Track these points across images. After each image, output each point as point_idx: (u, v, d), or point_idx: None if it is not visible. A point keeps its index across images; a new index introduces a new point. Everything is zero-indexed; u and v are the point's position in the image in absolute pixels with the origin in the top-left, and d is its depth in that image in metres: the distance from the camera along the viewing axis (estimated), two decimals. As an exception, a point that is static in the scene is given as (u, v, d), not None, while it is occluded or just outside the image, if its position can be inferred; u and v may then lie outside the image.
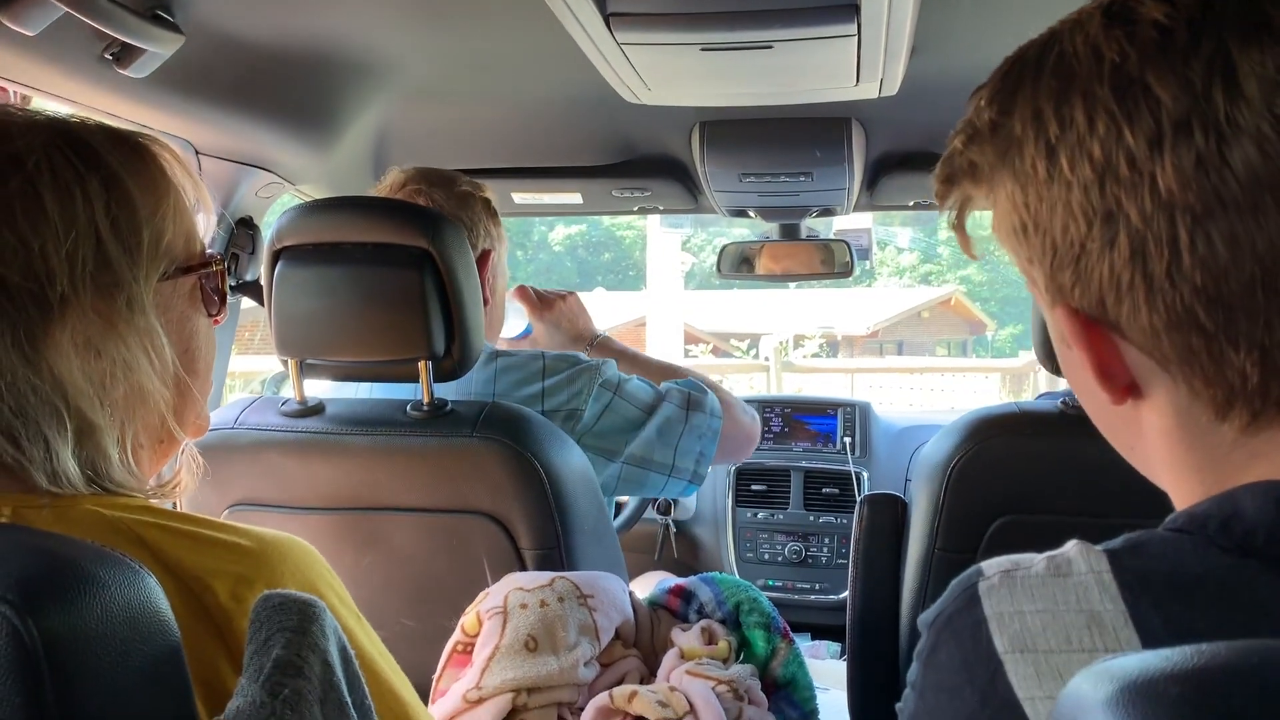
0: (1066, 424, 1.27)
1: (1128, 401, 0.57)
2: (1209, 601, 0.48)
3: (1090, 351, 0.56)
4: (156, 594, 0.57)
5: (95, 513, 0.66)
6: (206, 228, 0.81)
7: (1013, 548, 0.60)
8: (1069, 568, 0.52)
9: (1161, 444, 0.57)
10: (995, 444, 1.27)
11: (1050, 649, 0.50)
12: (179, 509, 0.74)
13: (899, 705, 0.61)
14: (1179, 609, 0.49)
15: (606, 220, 26.63)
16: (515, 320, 1.78)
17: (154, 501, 0.71)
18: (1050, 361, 1.28)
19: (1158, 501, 0.97)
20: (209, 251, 0.81)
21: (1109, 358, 0.56)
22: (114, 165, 0.72)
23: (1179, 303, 0.51)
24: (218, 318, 0.83)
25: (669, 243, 12.84)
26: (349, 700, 0.62)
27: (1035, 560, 0.54)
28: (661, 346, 12.67)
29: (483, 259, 1.59)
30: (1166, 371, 0.54)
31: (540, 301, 1.78)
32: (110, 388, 0.71)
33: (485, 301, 1.61)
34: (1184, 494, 0.57)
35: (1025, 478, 1.26)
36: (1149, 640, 0.48)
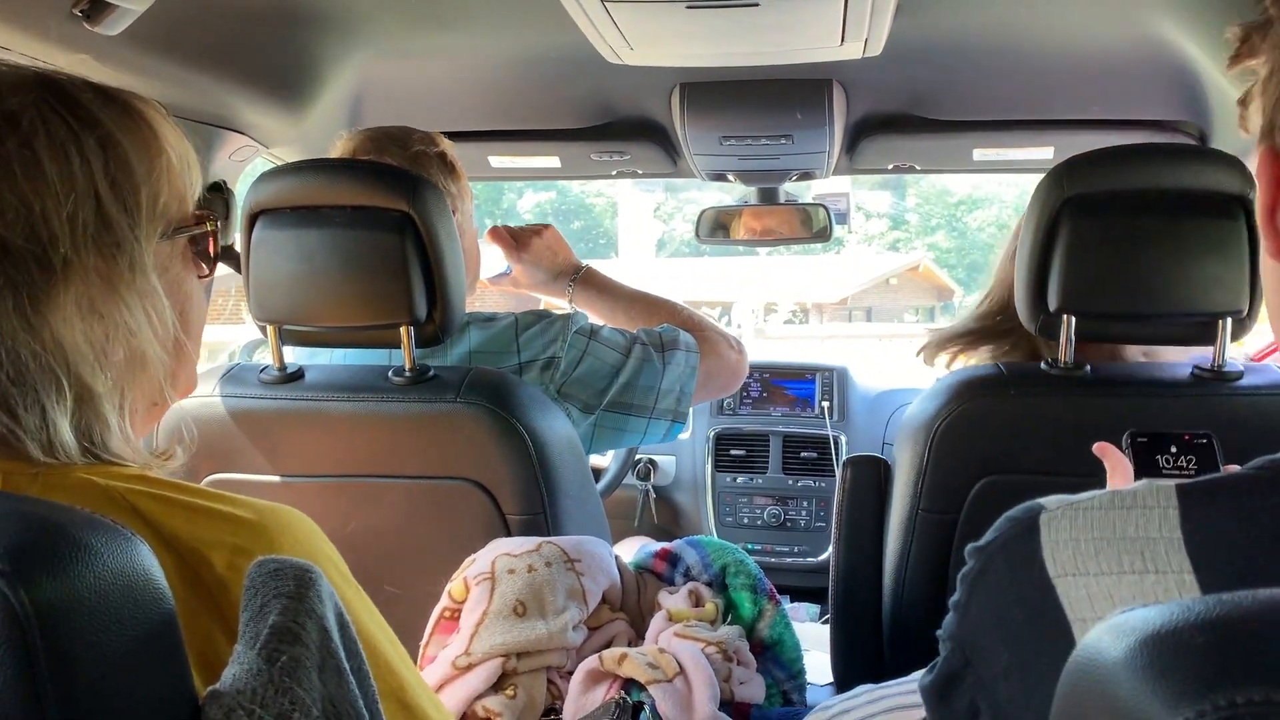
0: (1050, 384, 1.27)
1: None
2: (1270, 536, 0.49)
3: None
4: (150, 561, 0.56)
5: (89, 481, 0.65)
6: (194, 187, 0.79)
7: (997, 508, 0.60)
8: (1133, 500, 0.53)
9: None
10: (978, 404, 1.27)
11: (1102, 572, 0.52)
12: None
13: (939, 632, 0.62)
14: (1239, 540, 0.49)
15: (577, 187, 26.44)
16: (493, 262, 1.75)
17: (149, 471, 0.70)
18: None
19: (1139, 460, 0.98)
20: (199, 211, 0.80)
21: None
22: (108, 124, 0.71)
23: None
24: (207, 278, 0.82)
25: (640, 210, 12.79)
26: (347, 667, 0.61)
27: (1100, 493, 0.55)
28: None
29: None
30: None
31: (516, 241, 1.75)
32: (111, 352, 0.70)
33: None
34: None
35: (1009, 438, 1.27)
36: (1200, 566, 0.49)
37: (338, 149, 1.54)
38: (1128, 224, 1.20)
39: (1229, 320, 1.22)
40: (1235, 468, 0.56)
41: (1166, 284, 1.20)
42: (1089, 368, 1.27)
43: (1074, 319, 1.24)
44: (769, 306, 18.21)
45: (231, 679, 0.57)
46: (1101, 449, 0.92)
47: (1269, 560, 0.48)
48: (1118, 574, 0.51)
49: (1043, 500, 0.57)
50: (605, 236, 26.97)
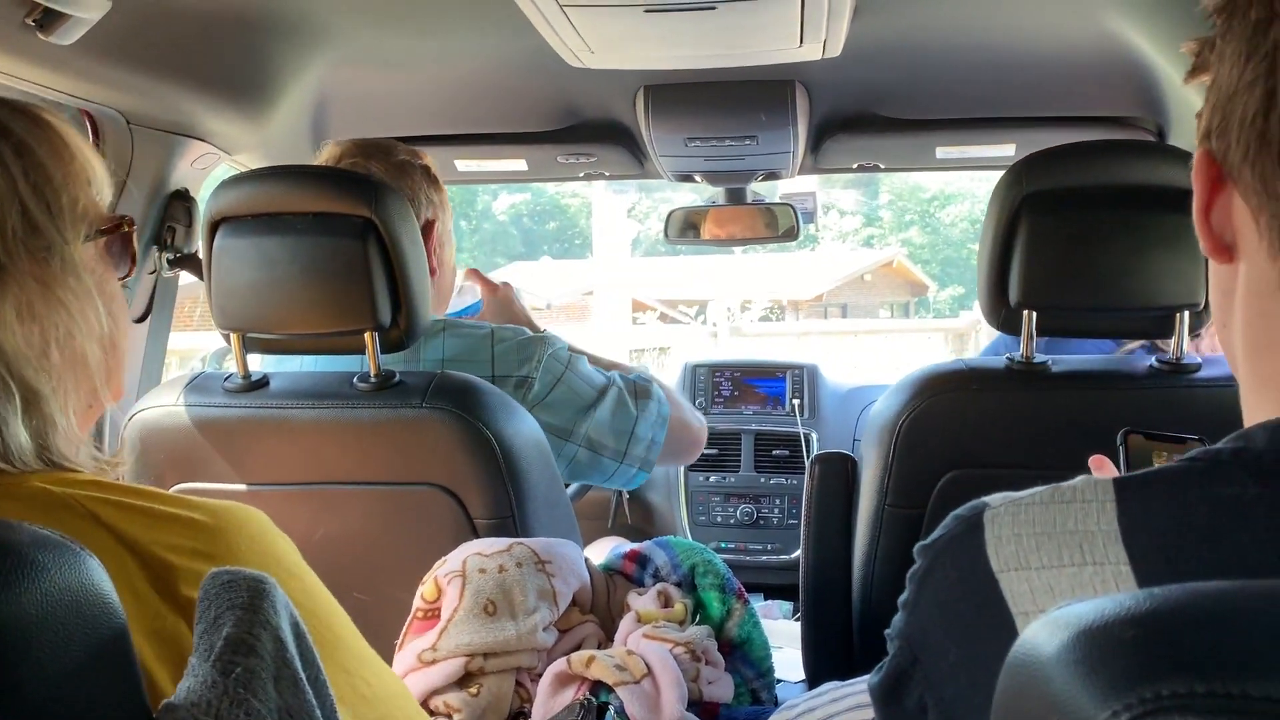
0: (1012, 379, 1.28)
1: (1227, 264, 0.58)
2: (1202, 526, 0.50)
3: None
4: (99, 576, 0.55)
5: (44, 490, 0.65)
6: (106, 192, 0.82)
7: (962, 502, 0.61)
8: (1073, 495, 0.54)
9: (1240, 313, 0.58)
10: (942, 400, 1.28)
11: (1043, 565, 0.53)
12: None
13: (888, 631, 0.62)
14: (1172, 531, 0.50)
15: (552, 188, 26.41)
16: (466, 295, 1.78)
17: (102, 477, 0.71)
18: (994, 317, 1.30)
19: (1102, 453, 0.99)
20: (114, 215, 0.82)
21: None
22: (20, 133, 0.73)
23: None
24: (127, 279, 0.84)
25: (615, 210, 12.79)
26: (303, 676, 0.61)
27: (1042, 489, 0.56)
28: (609, 315, 12.65)
29: (427, 229, 1.57)
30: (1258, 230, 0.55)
31: (487, 284, 1.78)
32: (50, 353, 0.71)
33: (432, 271, 1.60)
34: (1245, 391, 0.59)
35: (973, 433, 1.28)
36: (1136, 558, 0.50)
37: (321, 157, 1.55)
38: (1085, 219, 1.22)
39: (1186, 313, 1.24)
40: None
41: (1124, 278, 1.21)
42: (1050, 362, 1.29)
43: (1034, 314, 1.25)
44: (745, 304, 18.28)
45: (186, 691, 0.57)
46: (1097, 462, 0.93)
47: (1200, 550, 0.49)
48: (1058, 567, 0.52)
49: (987, 498, 0.58)
50: (581, 237, 26.96)
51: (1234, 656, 0.36)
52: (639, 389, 1.59)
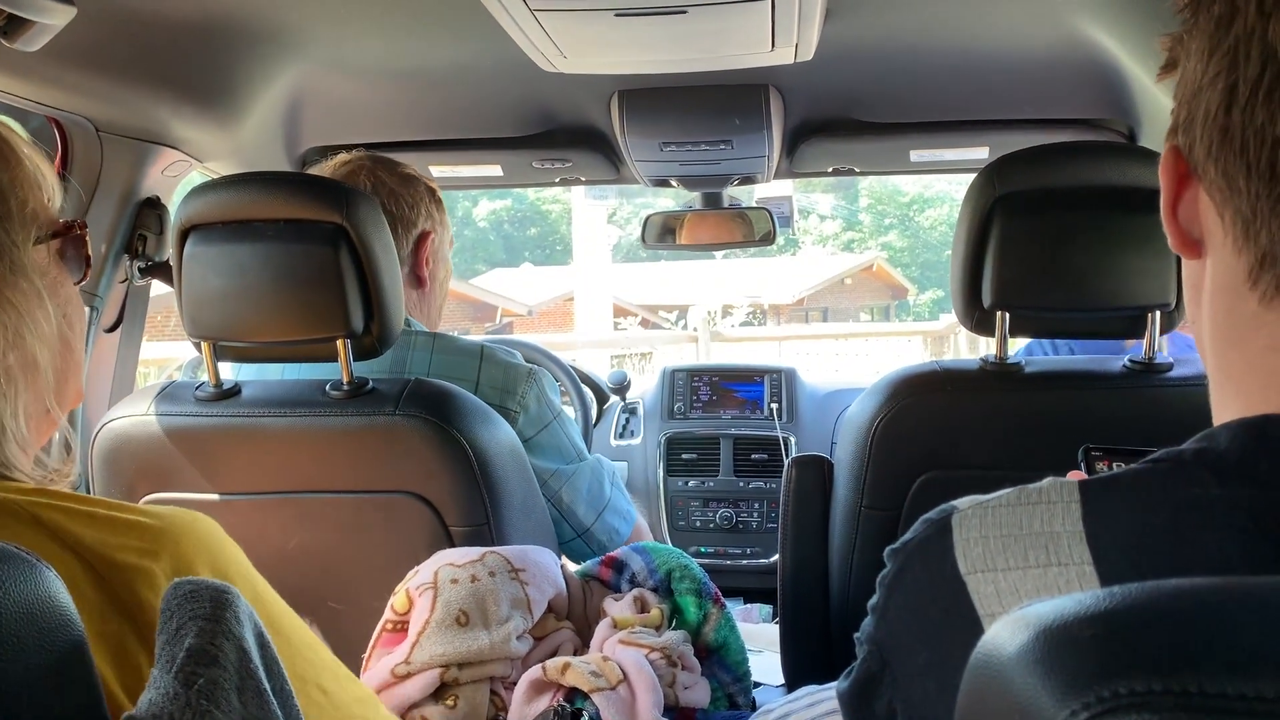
0: (986, 381, 1.29)
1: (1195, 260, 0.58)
2: (1165, 526, 0.50)
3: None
4: (55, 588, 0.55)
5: None
6: (55, 196, 0.81)
7: (937, 503, 0.61)
8: (1039, 496, 0.54)
9: (1208, 309, 0.58)
10: (917, 402, 1.28)
11: (1009, 567, 0.53)
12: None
13: (857, 635, 0.62)
14: (1135, 531, 0.51)
15: (532, 194, 26.38)
16: None
17: (49, 485, 0.70)
18: (968, 320, 1.30)
19: (1075, 453, 1.00)
20: (65, 220, 0.81)
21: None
22: None
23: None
24: (83, 283, 0.83)
25: (595, 216, 12.79)
26: (267, 687, 0.60)
27: (1009, 491, 0.56)
28: (591, 320, 12.64)
29: (421, 240, 1.58)
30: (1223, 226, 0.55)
31: None
32: (2, 357, 0.70)
33: (421, 284, 1.60)
34: (1213, 387, 0.59)
35: (947, 434, 1.28)
36: (1100, 558, 0.50)
37: (327, 169, 1.58)
38: (1057, 221, 1.22)
39: (1158, 313, 1.24)
40: None
41: (1096, 279, 1.22)
42: (1024, 363, 1.29)
43: (1007, 315, 1.26)
44: (726, 309, 18.29)
45: (148, 704, 0.56)
46: (1077, 476, 0.93)
47: (1163, 550, 0.49)
48: (1024, 568, 0.52)
49: (956, 501, 0.58)
50: (562, 243, 26.94)
51: (1190, 654, 0.36)
52: (615, 480, 1.63)
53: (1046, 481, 0.55)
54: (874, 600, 0.61)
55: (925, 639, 0.57)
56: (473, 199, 27.17)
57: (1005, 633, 0.41)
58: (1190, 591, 0.39)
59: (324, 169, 1.58)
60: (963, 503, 0.57)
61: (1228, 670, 0.35)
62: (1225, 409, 0.57)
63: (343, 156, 1.59)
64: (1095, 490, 0.53)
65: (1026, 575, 0.52)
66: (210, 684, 0.57)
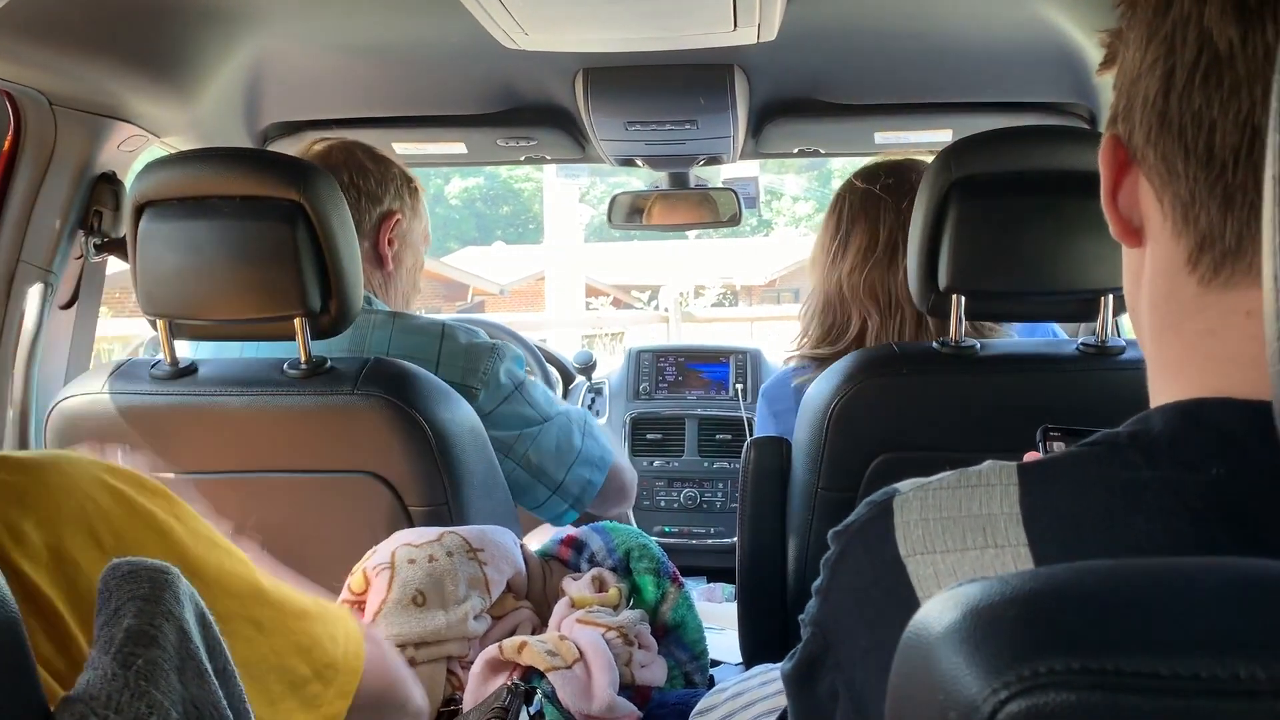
0: (941, 362, 1.30)
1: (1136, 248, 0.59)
2: (1099, 509, 0.51)
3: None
4: None
5: None
6: None
7: (892, 484, 0.61)
8: (978, 479, 0.54)
9: (1147, 295, 0.59)
10: (872, 384, 1.29)
11: (948, 549, 0.53)
12: None
13: (801, 616, 0.63)
14: (1070, 513, 0.51)
15: (505, 172, 26.20)
16: None
17: None
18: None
19: (1029, 434, 1.01)
20: None
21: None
22: None
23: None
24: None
25: (566, 194, 12.73)
26: (209, 667, 0.60)
27: (949, 474, 0.56)
28: (562, 300, 12.60)
29: (385, 218, 1.56)
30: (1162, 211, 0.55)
31: None
32: None
33: (383, 263, 1.58)
34: (1151, 373, 0.59)
35: (902, 416, 1.29)
36: (1036, 540, 0.51)
37: (307, 152, 1.59)
38: (1013, 205, 1.23)
39: (1110, 296, 1.26)
40: None
41: (1050, 263, 1.23)
42: (979, 345, 1.30)
43: (963, 298, 1.27)
44: (698, 289, 18.30)
45: (85, 684, 0.56)
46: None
47: (1096, 532, 0.50)
48: (962, 551, 0.53)
49: (898, 484, 0.58)
50: (534, 221, 26.78)
51: (1109, 633, 0.37)
52: (586, 429, 1.62)
53: (986, 464, 0.56)
54: (818, 582, 0.62)
55: (866, 621, 0.57)
56: (444, 176, 26.95)
57: (934, 612, 0.41)
58: (1113, 573, 0.40)
59: (306, 154, 1.58)
60: (904, 485, 0.58)
61: (1144, 649, 0.36)
62: (1162, 394, 0.58)
63: (323, 146, 1.60)
64: (1033, 473, 0.54)
65: (964, 557, 0.53)
66: (149, 665, 0.57)
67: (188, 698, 0.59)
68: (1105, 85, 1.70)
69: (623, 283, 19.49)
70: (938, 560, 0.53)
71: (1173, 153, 0.53)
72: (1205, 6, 0.50)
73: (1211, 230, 0.52)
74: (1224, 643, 0.36)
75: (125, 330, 6.01)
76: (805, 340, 1.56)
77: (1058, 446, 0.95)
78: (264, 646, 0.73)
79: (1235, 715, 0.35)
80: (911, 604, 0.54)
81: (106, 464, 0.70)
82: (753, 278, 21.33)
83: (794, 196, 28.01)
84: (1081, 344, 1.30)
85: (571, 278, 13.45)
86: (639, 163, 2.20)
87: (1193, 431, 0.51)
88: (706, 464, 2.51)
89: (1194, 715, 0.35)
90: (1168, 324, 0.57)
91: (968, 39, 1.65)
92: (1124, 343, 1.30)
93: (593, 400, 2.66)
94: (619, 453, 1.72)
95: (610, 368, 2.75)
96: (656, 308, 14.11)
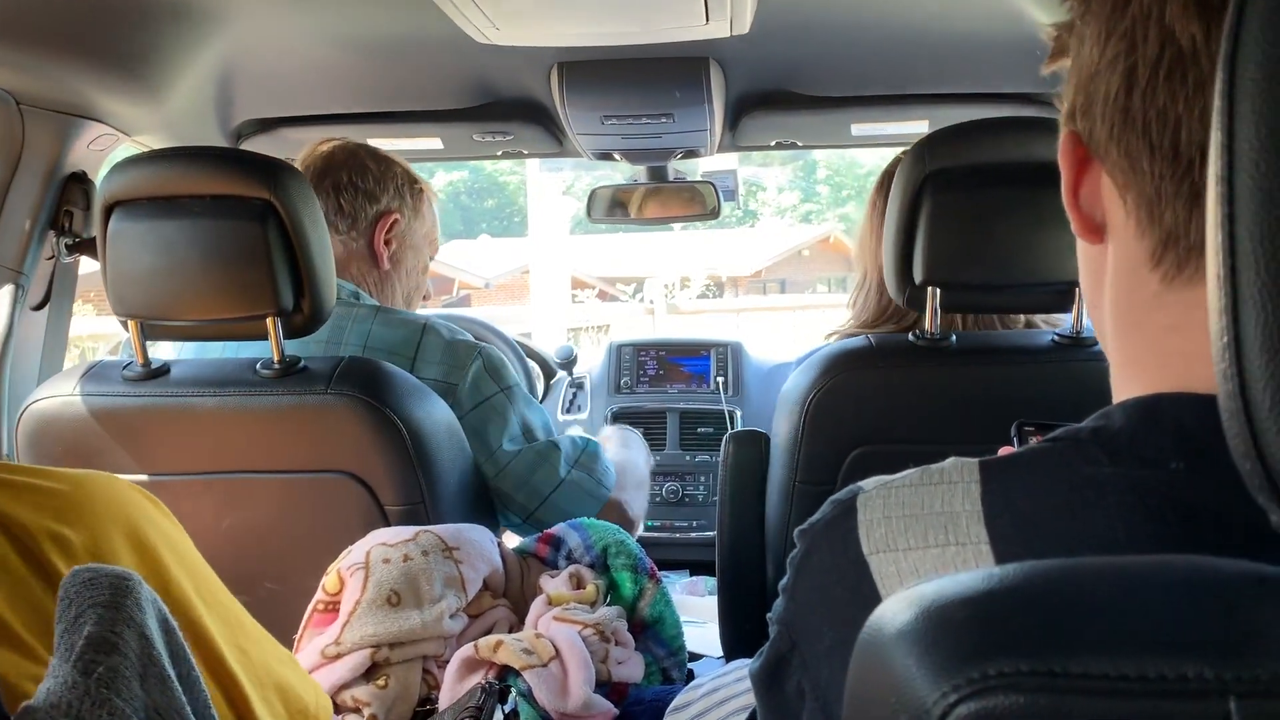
0: (917, 355, 1.30)
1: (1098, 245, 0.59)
2: (1060, 505, 0.50)
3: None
4: None
5: None
6: None
7: (869, 477, 0.61)
8: (940, 476, 0.54)
9: (1109, 292, 0.58)
10: (849, 377, 1.29)
11: (910, 547, 0.53)
12: None
13: (769, 615, 0.63)
14: (1030, 510, 0.51)
15: (489, 165, 26.10)
16: None
17: None
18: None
19: (1004, 426, 1.01)
20: None
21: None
22: None
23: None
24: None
25: (550, 188, 12.69)
26: (172, 673, 0.60)
27: (912, 472, 0.56)
28: (548, 293, 12.57)
29: (382, 217, 1.56)
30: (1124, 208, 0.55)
31: None
32: None
33: (378, 262, 1.57)
34: (1114, 370, 0.59)
35: (879, 409, 1.29)
36: (997, 538, 0.51)
37: (312, 152, 1.60)
38: (987, 196, 1.23)
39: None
40: None
41: (1024, 254, 1.23)
42: (954, 338, 1.31)
43: (938, 290, 1.27)
44: (684, 281, 18.30)
45: (46, 693, 0.55)
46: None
47: (1056, 529, 0.50)
48: (924, 548, 0.53)
49: (862, 482, 0.58)
50: (519, 214, 26.69)
51: (1058, 635, 0.37)
52: (582, 460, 1.54)
53: (949, 461, 0.56)
54: (784, 581, 0.61)
55: (831, 620, 0.57)
56: (428, 170, 26.77)
57: (889, 612, 0.41)
58: (1065, 572, 0.40)
59: (305, 156, 1.61)
60: (868, 483, 0.58)
61: (1090, 650, 0.36)
62: (1124, 389, 0.58)
63: (324, 147, 1.61)
64: (995, 470, 0.54)
65: (926, 555, 0.53)
66: (110, 672, 0.56)
67: (150, 704, 0.58)
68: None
69: (608, 275, 19.47)
70: (900, 558, 0.53)
71: (1137, 150, 0.53)
72: (1166, 4, 0.50)
73: (1176, 227, 0.52)
74: (1173, 643, 0.36)
75: (109, 329, 5.97)
76: (855, 325, 1.55)
77: (1032, 441, 0.95)
78: (250, 672, 0.73)
79: (1183, 716, 0.35)
80: (874, 602, 0.53)
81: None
82: (739, 269, 21.34)
83: (779, 187, 28.02)
84: (1056, 335, 1.31)
85: (556, 271, 13.43)
86: (616, 156, 2.19)
87: (1152, 427, 0.51)
88: (688, 457, 2.51)
89: (1142, 717, 0.35)
90: (1130, 320, 0.57)
91: (942, 30, 1.65)
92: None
93: (574, 395, 2.65)
94: (624, 487, 1.62)
95: (592, 362, 2.75)
96: (642, 300, 14.11)
